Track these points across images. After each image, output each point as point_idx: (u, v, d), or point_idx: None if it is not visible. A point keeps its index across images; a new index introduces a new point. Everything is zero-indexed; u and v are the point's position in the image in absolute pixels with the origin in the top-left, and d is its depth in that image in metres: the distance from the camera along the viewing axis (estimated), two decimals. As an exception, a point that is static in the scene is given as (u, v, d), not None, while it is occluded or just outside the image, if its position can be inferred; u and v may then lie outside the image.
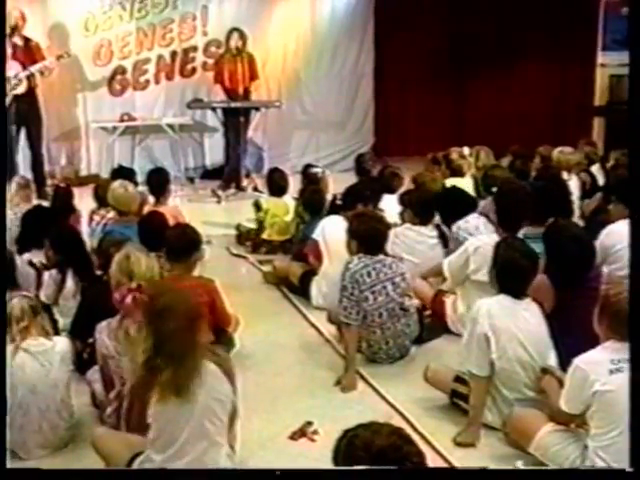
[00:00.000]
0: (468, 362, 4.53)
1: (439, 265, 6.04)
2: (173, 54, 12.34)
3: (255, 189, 10.84)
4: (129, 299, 4.02)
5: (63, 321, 5.44)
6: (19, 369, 4.34)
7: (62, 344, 4.52)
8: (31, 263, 6.04)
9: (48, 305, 5.37)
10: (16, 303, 4.43)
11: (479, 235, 5.99)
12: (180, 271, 5.20)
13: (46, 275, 5.78)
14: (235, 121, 11.03)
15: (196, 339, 3.64)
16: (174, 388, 3.53)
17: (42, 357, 4.38)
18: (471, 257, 5.70)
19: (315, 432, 4.57)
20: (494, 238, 5.66)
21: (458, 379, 4.74)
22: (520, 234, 5.56)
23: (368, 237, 5.46)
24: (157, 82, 12.38)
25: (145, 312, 3.78)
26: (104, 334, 4.15)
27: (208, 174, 12.39)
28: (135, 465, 3.71)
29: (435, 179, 7.86)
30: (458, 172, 8.34)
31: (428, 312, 6.06)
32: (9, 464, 4.22)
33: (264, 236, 8.27)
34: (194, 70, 12.44)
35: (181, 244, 5.33)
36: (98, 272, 5.59)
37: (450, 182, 7.74)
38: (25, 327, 4.37)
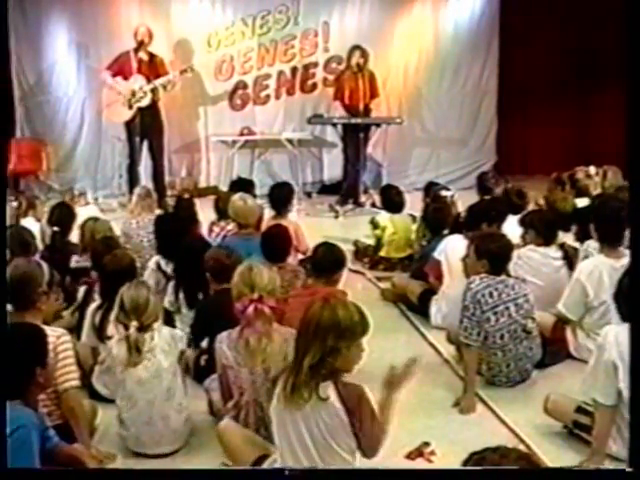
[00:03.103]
0: (594, 390, 4.33)
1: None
2: (294, 70, 12.50)
3: (373, 205, 10.78)
4: (250, 310, 4.03)
5: (183, 329, 5.49)
6: None
7: (162, 334, 4.52)
8: (159, 267, 6.12)
9: (170, 312, 5.44)
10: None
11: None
12: (320, 286, 5.21)
13: (170, 283, 5.87)
14: (355, 137, 11.04)
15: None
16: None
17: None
18: (586, 284, 5.51)
19: (432, 453, 4.49)
20: (601, 259, 5.47)
21: (580, 409, 4.56)
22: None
23: (499, 256, 5.33)
24: (277, 97, 12.56)
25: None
26: (224, 344, 4.16)
27: (326, 189, 12.51)
28: (265, 465, 3.74)
29: (566, 198, 7.60)
30: (584, 192, 8.08)
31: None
32: (121, 465, 4.30)
33: (382, 253, 8.19)
34: (314, 86, 12.57)
35: (329, 260, 5.40)
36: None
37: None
38: None
